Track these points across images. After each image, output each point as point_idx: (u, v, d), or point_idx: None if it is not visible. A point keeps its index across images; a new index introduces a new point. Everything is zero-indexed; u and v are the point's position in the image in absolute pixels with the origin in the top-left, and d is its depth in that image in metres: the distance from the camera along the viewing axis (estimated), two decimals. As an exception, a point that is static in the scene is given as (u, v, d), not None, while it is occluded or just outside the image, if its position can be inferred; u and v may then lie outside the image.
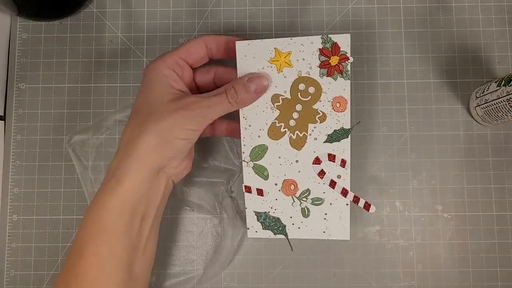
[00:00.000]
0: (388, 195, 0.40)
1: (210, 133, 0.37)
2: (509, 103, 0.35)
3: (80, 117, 0.42)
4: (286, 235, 0.34)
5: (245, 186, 0.34)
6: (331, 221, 0.33)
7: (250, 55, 0.32)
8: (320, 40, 0.31)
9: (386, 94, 0.41)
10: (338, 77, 0.32)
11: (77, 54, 0.43)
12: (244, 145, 0.33)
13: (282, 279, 0.40)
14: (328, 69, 0.32)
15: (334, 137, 0.32)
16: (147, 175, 0.30)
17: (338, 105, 0.32)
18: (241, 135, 0.33)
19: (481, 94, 0.38)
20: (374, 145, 0.41)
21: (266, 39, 0.32)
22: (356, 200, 0.33)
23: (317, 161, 0.33)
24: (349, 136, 0.32)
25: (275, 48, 0.32)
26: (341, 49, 0.31)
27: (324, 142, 0.33)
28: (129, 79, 0.42)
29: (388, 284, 0.40)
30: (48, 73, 0.42)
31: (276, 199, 0.34)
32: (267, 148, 0.33)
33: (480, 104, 0.39)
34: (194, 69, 0.35)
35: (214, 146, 0.41)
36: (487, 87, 0.38)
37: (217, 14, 0.43)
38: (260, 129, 0.33)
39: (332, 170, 0.33)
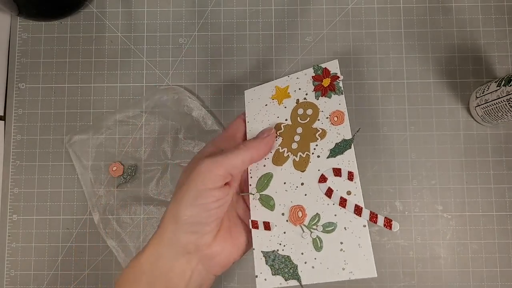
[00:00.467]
0: (388, 195, 0.40)
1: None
2: (509, 103, 0.35)
3: (80, 117, 0.42)
4: (299, 279, 0.29)
5: (252, 221, 0.31)
6: (350, 252, 0.28)
7: (256, 97, 0.35)
8: (312, 70, 0.34)
9: (386, 94, 0.41)
10: (332, 94, 0.33)
11: (77, 54, 0.43)
12: (251, 177, 0.33)
13: (282, 279, 0.40)
14: (322, 90, 0.33)
15: (337, 150, 0.31)
16: (167, 252, 0.29)
17: (336, 119, 0.32)
18: (248, 168, 0.33)
19: (481, 94, 0.38)
20: (374, 145, 0.41)
21: (268, 82, 0.36)
22: (373, 218, 0.28)
23: (322, 179, 0.31)
24: (352, 146, 0.31)
25: (275, 86, 0.35)
26: (331, 72, 0.33)
27: (327, 158, 0.31)
28: (129, 79, 0.42)
29: (388, 284, 0.39)
30: (48, 73, 0.42)
31: (284, 232, 0.30)
32: (272, 175, 0.32)
33: (480, 104, 0.39)
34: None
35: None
36: (487, 87, 0.38)
37: (217, 14, 0.43)
38: (265, 159, 0.33)
39: (340, 186, 0.30)
